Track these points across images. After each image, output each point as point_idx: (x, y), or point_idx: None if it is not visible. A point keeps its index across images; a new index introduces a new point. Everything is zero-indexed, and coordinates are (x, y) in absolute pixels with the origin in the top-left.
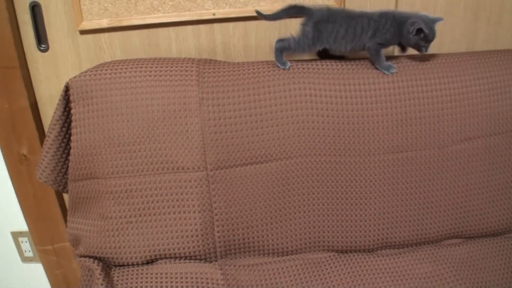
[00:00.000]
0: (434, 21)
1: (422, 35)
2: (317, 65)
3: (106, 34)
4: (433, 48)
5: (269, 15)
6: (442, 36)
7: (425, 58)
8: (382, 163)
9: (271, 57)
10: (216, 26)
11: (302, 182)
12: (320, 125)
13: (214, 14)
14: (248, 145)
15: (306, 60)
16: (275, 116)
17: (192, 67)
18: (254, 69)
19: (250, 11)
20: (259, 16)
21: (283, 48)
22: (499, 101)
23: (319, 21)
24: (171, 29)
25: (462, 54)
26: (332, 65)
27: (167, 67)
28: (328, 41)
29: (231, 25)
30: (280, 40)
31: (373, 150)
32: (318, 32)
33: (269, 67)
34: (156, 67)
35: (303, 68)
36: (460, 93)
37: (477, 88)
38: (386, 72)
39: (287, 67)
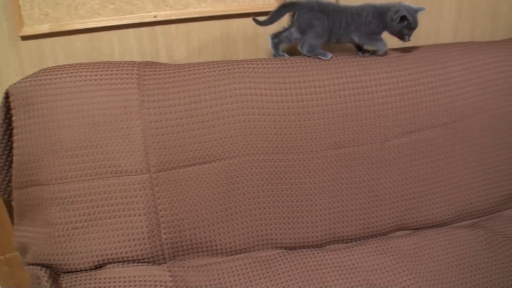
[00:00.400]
0: (416, 10)
1: (405, 22)
2: (257, 64)
3: (48, 39)
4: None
5: (265, 21)
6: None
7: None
8: (325, 159)
9: (215, 57)
10: (158, 28)
11: (246, 181)
12: (262, 123)
13: (155, 17)
14: (191, 146)
15: (246, 60)
16: (216, 116)
17: (132, 70)
18: (194, 70)
19: (191, 12)
20: (256, 23)
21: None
22: (436, 94)
23: (310, 13)
24: (113, 32)
25: (401, 50)
26: (272, 64)
27: (107, 71)
28: (317, 31)
29: (173, 27)
30: (275, 36)
31: (315, 146)
32: (309, 24)
33: (209, 68)
34: (97, 71)
35: (244, 68)
36: (399, 88)
37: (415, 83)
38: (381, 52)
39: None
